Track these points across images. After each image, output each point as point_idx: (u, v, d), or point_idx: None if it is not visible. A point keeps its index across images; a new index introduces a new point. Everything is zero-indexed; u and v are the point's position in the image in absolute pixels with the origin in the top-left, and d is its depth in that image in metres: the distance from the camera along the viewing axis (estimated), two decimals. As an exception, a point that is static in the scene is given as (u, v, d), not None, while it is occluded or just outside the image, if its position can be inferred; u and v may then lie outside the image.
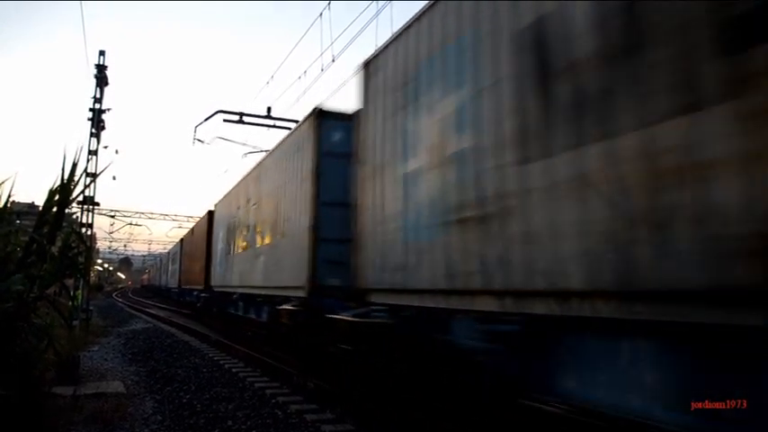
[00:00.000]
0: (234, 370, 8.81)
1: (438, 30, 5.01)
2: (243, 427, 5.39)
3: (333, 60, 11.73)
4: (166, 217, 46.77)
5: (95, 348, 11.46)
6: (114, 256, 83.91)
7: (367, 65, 6.49)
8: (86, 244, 6.99)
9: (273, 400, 6.54)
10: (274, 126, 16.25)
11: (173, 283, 30.47)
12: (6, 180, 5.01)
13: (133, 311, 27.98)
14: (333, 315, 6.52)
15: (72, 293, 11.80)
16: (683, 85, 2.69)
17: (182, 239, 29.09)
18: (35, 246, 4.77)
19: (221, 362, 9.75)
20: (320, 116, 8.47)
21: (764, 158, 2.29)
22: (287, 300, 8.99)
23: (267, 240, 10.75)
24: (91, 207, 14.34)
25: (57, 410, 5.46)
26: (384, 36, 5.87)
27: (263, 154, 12.78)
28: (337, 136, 8.24)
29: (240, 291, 12.78)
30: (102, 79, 14.00)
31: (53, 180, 4.95)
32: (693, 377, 2.69)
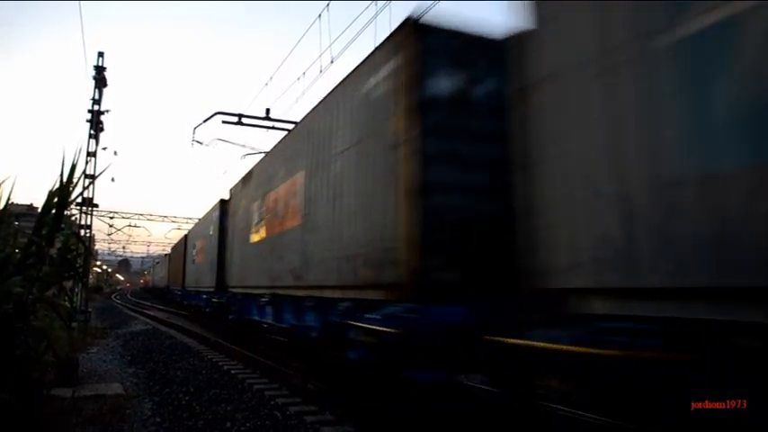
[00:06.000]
0: (233, 371, 8.80)
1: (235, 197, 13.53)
2: (242, 428, 5.39)
3: (332, 62, 11.75)
4: (165, 218, 46.82)
5: (94, 350, 11.44)
6: (113, 258, 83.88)
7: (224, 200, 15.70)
8: (86, 245, 6.98)
9: (273, 402, 6.53)
10: (273, 127, 16.25)
11: (163, 283, 37.36)
12: (5, 181, 5.00)
13: (132, 313, 27.93)
14: (214, 299, 15.77)
15: (70, 295, 11.77)
16: None
17: (170, 253, 34.14)
18: (34, 248, 4.76)
19: (220, 363, 9.74)
20: (223, 202, 16.01)
21: None
22: (208, 293, 17.16)
23: (202, 260, 18.99)
24: (89, 209, 14.33)
25: (55, 412, 5.45)
26: (382, 36, 5.91)
27: (260, 155, 13.26)
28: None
29: (196, 289, 20.41)
30: (100, 81, 14.00)
31: (52, 181, 4.94)
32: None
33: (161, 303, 36.99)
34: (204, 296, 17.82)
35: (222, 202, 16.06)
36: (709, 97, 2.47)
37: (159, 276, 43.63)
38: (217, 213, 16.43)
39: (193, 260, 21.33)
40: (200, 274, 19.00)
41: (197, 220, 23.31)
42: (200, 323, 18.90)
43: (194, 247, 21.40)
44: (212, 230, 16.98)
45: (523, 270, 3.63)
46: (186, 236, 25.64)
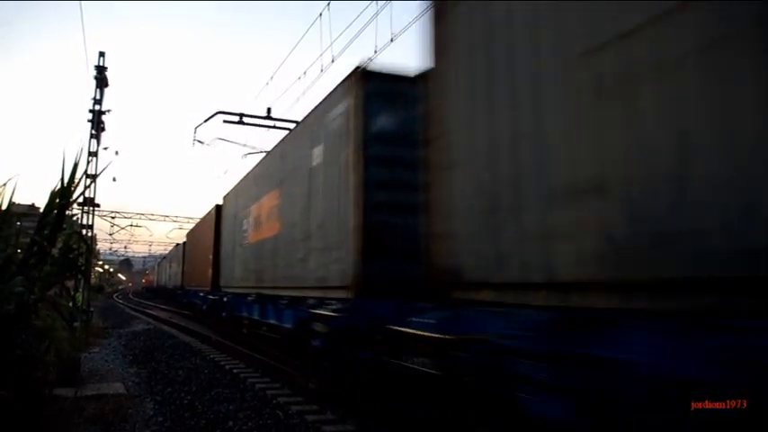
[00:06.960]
0: (235, 371, 8.81)
1: None
2: (244, 427, 5.40)
3: (332, 61, 11.76)
4: (167, 218, 46.85)
5: (96, 350, 11.46)
6: (115, 258, 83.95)
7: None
8: (88, 244, 7.00)
9: (274, 401, 6.54)
10: (274, 127, 16.27)
11: (174, 283, 32.39)
12: (9, 181, 5.01)
13: (134, 313, 27.98)
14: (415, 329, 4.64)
15: (72, 295, 11.80)
16: None
17: (184, 241, 29.23)
18: (36, 247, 4.77)
19: (222, 363, 9.75)
20: (365, 77, 6.48)
21: None
22: (326, 305, 7.46)
23: (277, 233, 9.70)
24: (91, 208, 14.35)
25: (57, 412, 5.46)
26: (382, 36, 5.87)
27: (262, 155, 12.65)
28: (383, 120, 6.53)
29: (257, 291, 11.20)
30: (101, 80, 14.00)
31: (53, 181, 4.96)
32: None
33: (163, 302, 36.97)
34: (300, 312, 8.14)
35: (364, 75, 6.54)
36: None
37: (168, 274, 35.79)
38: (349, 103, 6.56)
39: (242, 242, 12.52)
40: (272, 263, 9.73)
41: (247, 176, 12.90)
42: (202, 322, 18.87)
43: (247, 216, 12.11)
44: (316, 160, 7.59)
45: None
46: (219, 206, 16.33)
